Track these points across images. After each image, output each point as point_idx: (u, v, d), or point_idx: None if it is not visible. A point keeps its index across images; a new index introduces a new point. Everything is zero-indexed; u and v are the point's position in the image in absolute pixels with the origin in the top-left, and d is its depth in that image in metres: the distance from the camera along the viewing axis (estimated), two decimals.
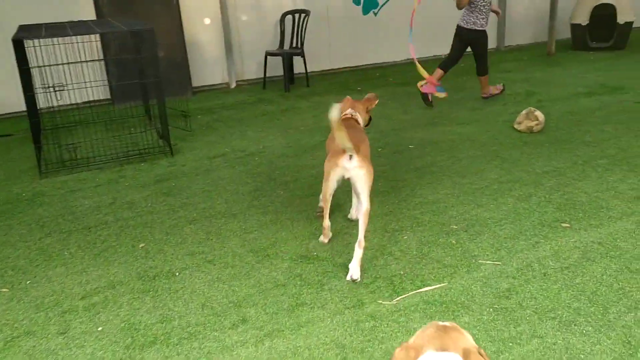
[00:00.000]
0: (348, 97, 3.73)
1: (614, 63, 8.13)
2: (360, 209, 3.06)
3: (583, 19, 9.03)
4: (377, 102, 3.75)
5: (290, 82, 7.74)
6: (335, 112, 2.76)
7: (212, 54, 7.82)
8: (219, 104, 7.14)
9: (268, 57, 7.63)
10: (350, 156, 2.98)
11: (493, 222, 3.55)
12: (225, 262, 3.25)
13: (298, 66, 7.89)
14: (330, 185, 3.11)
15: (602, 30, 8.88)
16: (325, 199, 3.19)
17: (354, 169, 3.00)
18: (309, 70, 7.86)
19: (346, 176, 3.05)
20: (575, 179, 4.12)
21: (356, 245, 3.02)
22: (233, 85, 8.01)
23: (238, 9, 7.85)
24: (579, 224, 3.45)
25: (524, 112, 5.41)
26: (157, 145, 5.30)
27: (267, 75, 7.74)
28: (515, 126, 5.40)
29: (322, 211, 3.34)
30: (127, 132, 5.50)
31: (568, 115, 5.76)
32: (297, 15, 7.77)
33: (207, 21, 7.67)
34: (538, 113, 5.31)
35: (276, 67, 7.70)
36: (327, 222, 3.34)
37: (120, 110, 6.39)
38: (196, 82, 7.75)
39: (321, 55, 8.45)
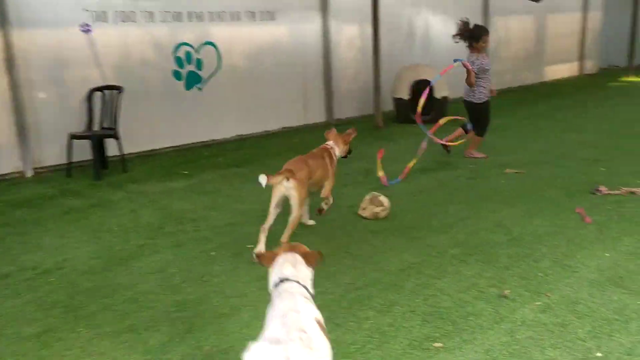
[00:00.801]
0: (333, 128, 4.89)
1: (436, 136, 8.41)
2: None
3: (404, 94, 9.35)
4: (354, 135, 4.86)
5: (103, 167, 6.62)
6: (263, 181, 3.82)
7: None
8: (8, 200, 5.76)
9: (73, 139, 6.47)
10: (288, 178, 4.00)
11: (356, 349, 2.92)
12: None
13: (112, 148, 6.81)
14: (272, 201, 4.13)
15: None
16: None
17: (288, 189, 4.04)
18: (125, 153, 6.82)
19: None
20: (434, 277, 3.71)
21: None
22: (29, 173, 6.63)
23: (35, 85, 6.62)
24: (452, 341, 2.96)
25: (367, 197, 5.04)
26: None
27: (74, 160, 6.54)
28: (360, 212, 4.99)
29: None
30: None
31: (410, 196, 5.54)
32: (107, 92, 6.78)
33: None
34: (382, 198, 4.97)
35: (85, 150, 6.55)
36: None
37: None
38: None
39: (140, 135, 7.47)
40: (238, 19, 8.42)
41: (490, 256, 4.01)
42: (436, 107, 9.15)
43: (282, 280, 2.19)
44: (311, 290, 2.28)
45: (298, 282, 2.20)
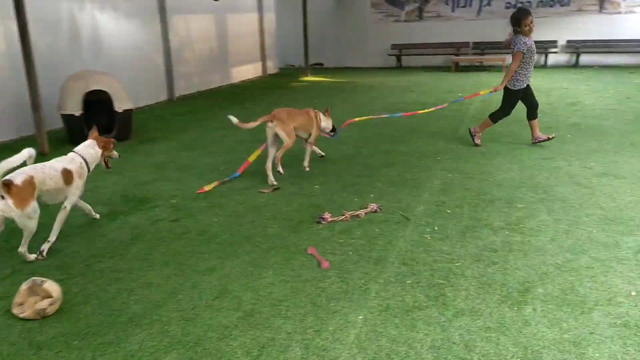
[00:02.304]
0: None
1: (130, 159, 6.81)
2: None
3: (76, 109, 7.42)
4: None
5: None
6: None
7: None
8: None
9: None
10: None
11: None
12: None
13: None
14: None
15: (102, 118, 7.48)
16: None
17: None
18: None
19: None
20: None
21: None
22: None
23: None
24: None
25: (24, 286, 3.27)
26: None
27: None
28: (16, 311, 3.21)
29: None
30: None
31: (92, 275, 3.92)
32: None
33: None
34: (49, 284, 3.27)
35: None
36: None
37: None
38: None
39: None
40: None
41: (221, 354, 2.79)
42: (119, 122, 7.53)
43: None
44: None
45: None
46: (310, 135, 5.97)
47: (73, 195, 4.23)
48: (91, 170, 4.44)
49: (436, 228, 4.34)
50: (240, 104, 11.24)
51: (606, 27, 15.82)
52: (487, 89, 7.17)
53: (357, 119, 7.19)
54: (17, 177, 3.73)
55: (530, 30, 6.40)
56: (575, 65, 16.10)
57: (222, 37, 14.12)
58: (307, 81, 15.26)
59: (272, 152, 5.71)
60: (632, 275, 3.47)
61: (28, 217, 3.77)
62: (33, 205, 3.79)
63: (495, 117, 6.83)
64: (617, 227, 4.21)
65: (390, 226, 4.43)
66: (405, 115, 7.84)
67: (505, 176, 5.62)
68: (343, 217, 4.59)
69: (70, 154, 4.35)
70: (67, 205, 4.20)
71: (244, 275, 3.67)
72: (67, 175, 4.14)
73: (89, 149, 4.44)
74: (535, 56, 6.53)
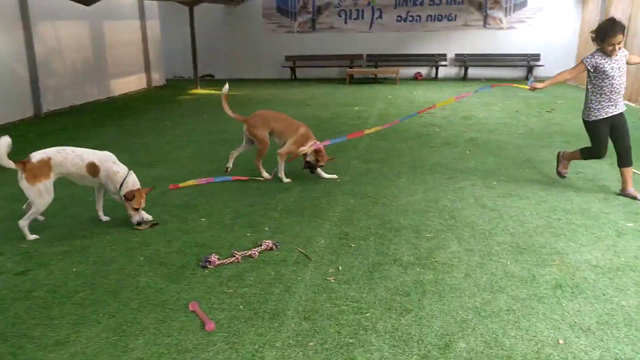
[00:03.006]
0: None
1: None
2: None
3: None
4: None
5: None
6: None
7: None
8: None
9: None
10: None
11: None
12: None
13: None
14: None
15: None
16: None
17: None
18: None
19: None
20: None
21: None
22: None
23: None
24: None
25: None
26: None
27: None
28: None
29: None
30: None
31: None
32: None
33: None
34: None
35: None
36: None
37: None
38: None
39: None
40: None
41: None
42: None
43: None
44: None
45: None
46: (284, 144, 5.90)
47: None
48: None
49: (340, 268, 3.80)
50: (120, 120, 10.14)
51: (490, 41, 16.46)
52: (519, 84, 6.17)
53: (368, 130, 6.79)
54: (35, 156, 4.28)
55: (614, 51, 4.88)
56: (464, 78, 16.58)
57: (98, 46, 12.82)
58: (196, 94, 14.34)
59: (243, 148, 6.11)
60: (555, 317, 3.12)
61: (38, 194, 4.25)
62: (45, 184, 4.27)
63: (584, 153, 5.42)
64: (530, 257, 3.91)
65: (288, 268, 3.82)
66: (420, 112, 7.65)
67: (409, 199, 5.23)
68: (233, 258, 3.91)
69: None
70: None
71: (104, 349, 2.88)
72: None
73: None
74: (617, 82, 4.96)
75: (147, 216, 4.67)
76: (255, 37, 17.64)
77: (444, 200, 5.20)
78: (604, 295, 3.36)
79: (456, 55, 16.74)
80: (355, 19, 17.21)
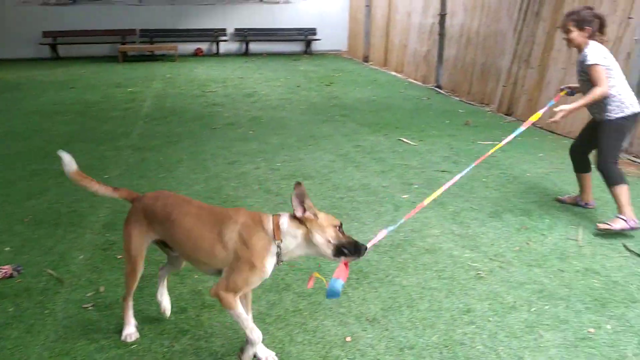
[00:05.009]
0: None
1: None
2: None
3: None
4: None
5: None
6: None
7: None
8: None
9: None
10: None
11: None
12: None
13: None
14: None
15: None
16: None
17: None
18: None
19: None
20: None
21: None
22: None
23: None
24: None
25: None
26: None
27: None
28: None
29: None
30: None
31: None
32: None
33: None
34: None
35: None
36: None
37: None
38: None
39: None
40: None
41: None
42: None
43: None
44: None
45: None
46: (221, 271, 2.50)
47: None
48: None
49: (102, 289, 3.14)
50: None
51: (267, 16, 16.42)
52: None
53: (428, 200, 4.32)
54: None
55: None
56: (246, 54, 16.33)
57: None
58: None
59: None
60: (341, 311, 2.93)
61: None
62: None
63: (600, 162, 4.05)
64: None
65: (34, 298, 3.04)
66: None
67: (189, 191, 4.70)
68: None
69: None
70: None
71: None
72: None
73: None
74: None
75: None
76: (1, 10, 15.01)
77: (227, 189, 4.79)
78: (387, 277, 3.29)
79: (236, 30, 16.38)
80: None
